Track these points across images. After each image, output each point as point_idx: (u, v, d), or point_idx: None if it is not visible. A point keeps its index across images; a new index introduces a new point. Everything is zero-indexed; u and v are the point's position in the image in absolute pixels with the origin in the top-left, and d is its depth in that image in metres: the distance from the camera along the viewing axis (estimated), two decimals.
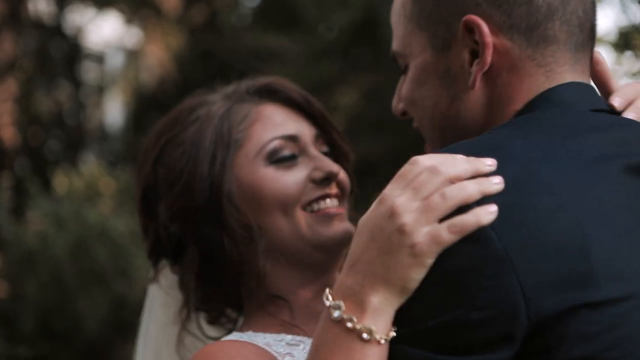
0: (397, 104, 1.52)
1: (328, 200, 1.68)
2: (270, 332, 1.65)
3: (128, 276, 6.21)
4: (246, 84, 1.77)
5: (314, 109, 1.74)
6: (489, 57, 1.35)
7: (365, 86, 6.53)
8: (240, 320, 1.75)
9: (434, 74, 1.42)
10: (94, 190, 7.08)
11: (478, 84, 1.37)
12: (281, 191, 1.65)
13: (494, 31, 1.35)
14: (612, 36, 5.64)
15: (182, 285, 1.71)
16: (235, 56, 6.33)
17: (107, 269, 6.18)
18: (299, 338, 1.65)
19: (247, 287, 1.68)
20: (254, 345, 1.60)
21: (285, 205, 1.65)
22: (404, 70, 1.48)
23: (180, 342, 1.75)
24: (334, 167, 1.69)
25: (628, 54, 6.26)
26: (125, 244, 6.21)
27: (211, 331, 1.76)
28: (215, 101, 1.74)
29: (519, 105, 1.36)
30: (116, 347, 6.40)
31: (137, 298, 5.78)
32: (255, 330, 1.65)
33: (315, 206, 1.68)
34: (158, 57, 10.03)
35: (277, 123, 1.70)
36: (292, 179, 1.66)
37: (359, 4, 5.96)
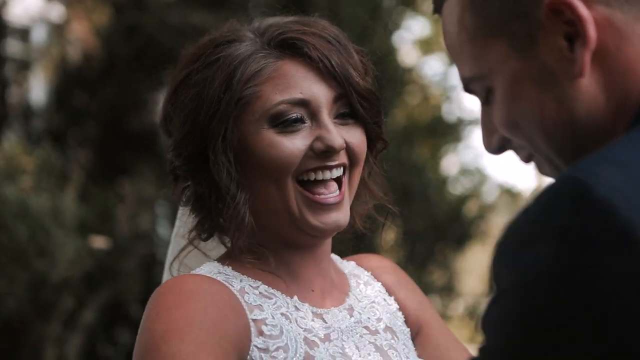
0: (491, 140, 1.27)
1: (327, 172, 1.63)
2: (249, 275, 1.63)
3: (48, 255, 6.10)
4: (273, 29, 1.66)
5: (336, 70, 1.64)
6: (591, 30, 1.13)
7: None
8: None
9: (529, 81, 1.19)
10: (14, 167, 6.92)
11: (587, 68, 1.14)
12: (277, 158, 1.60)
13: (585, 2, 1.13)
14: None
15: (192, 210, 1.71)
16: (162, 33, 6.25)
17: (26, 248, 6.06)
18: (272, 291, 1.63)
19: (234, 239, 1.65)
20: (224, 288, 1.58)
21: (279, 172, 1.60)
22: (485, 99, 1.25)
23: (179, 259, 1.75)
24: (337, 141, 1.61)
25: None
26: (45, 222, 6.09)
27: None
28: (244, 40, 1.65)
29: None
30: (35, 327, 6.29)
31: (58, 277, 5.69)
32: (235, 268, 1.64)
33: (312, 175, 1.62)
34: (82, 32, 9.84)
35: (290, 85, 1.62)
36: (291, 146, 1.61)
37: None
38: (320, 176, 1.62)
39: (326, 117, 1.63)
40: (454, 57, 1.28)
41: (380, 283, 1.81)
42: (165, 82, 7.43)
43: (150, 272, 7.20)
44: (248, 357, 1.54)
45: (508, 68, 1.19)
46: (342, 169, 1.64)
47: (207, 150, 1.63)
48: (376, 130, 1.70)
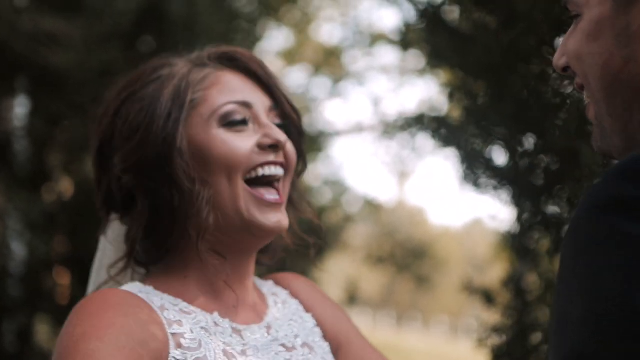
0: (560, 58, 1.36)
1: (272, 168, 1.74)
2: (170, 293, 1.71)
3: None
4: (209, 50, 1.83)
5: (271, 82, 1.81)
6: None
7: None
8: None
9: (610, 30, 1.27)
10: None
11: None
12: (228, 152, 1.71)
13: None
14: (396, 34, 5.79)
15: (129, 237, 1.76)
16: (13, 39, 6.04)
17: None
18: (192, 308, 1.70)
19: (188, 240, 1.73)
20: (145, 303, 1.64)
21: (230, 167, 1.71)
22: (574, 18, 1.33)
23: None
24: (282, 136, 1.75)
25: (411, 52, 6.49)
26: None
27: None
28: (178, 63, 1.80)
29: None
30: None
31: None
32: (156, 287, 1.72)
33: (260, 170, 1.73)
34: None
35: (233, 89, 1.77)
36: (240, 142, 1.73)
37: None
38: (267, 171, 1.74)
39: (267, 119, 1.78)
40: None
41: (297, 301, 1.90)
42: (18, 88, 7.18)
43: (0, 286, 6.94)
44: None
45: (600, 9, 1.27)
46: (282, 169, 1.77)
47: (163, 156, 1.71)
48: (301, 145, 1.86)
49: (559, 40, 3.06)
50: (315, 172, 12.13)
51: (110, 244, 1.88)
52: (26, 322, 7.17)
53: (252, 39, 6.91)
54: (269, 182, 1.75)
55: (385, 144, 12.70)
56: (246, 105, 1.76)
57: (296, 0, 10.97)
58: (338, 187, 12.02)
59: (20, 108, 7.28)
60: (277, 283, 1.94)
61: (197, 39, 5.65)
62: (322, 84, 12.69)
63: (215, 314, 1.72)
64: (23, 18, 5.86)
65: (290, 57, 12.72)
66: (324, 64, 12.63)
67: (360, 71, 12.70)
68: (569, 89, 3.09)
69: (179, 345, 1.61)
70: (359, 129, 12.51)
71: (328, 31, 17.43)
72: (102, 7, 5.97)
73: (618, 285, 1.02)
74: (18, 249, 6.94)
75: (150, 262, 1.78)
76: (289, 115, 1.83)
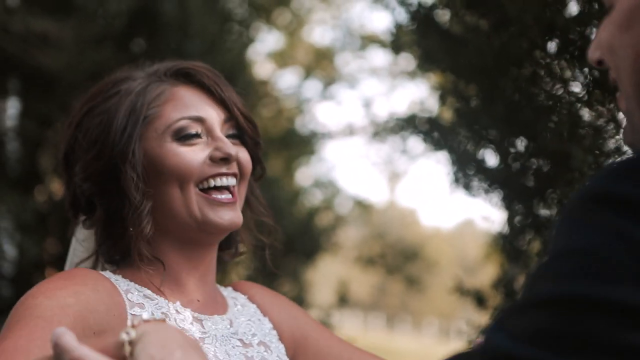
0: (595, 51, 1.30)
1: (224, 179, 1.84)
2: (136, 282, 1.82)
3: None
4: (166, 65, 1.93)
5: (225, 95, 1.90)
6: None
7: None
8: None
9: None
10: None
11: None
12: (181, 164, 1.81)
13: None
14: (387, 36, 5.80)
15: (95, 238, 1.91)
16: (3, 40, 6.03)
17: None
18: (156, 296, 1.81)
19: (137, 246, 1.82)
20: (111, 283, 1.75)
21: (182, 178, 1.81)
22: (608, 10, 1.27)
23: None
24: (232, 149, 1.85)
25: (403, 54, 6.50)
26: None
27: None
28: (137, 78, 1.90)
29: None
30: None
31: None
32: (125, 276, 1.83)
33: (212, 182, 1.83)
34: None
35: (187, 105, 1.86)
36: (192, 155, 1.82)
37: None
38: (218, 182, 1.85)
39: (220, 133, 1.87)
40: None
41: (255, 305, 2.00)
42: (10, 89, 7.15)
43: None
44: None
45: None
46: (234, 178, 1.87)
47: (117, 168, 1.83)
48: (257, 152, 1.98)
49: (551, 44, 3.07)
50: (307, 174, 12.14)
51: (81, 244, 2.00)
52: None
53: (245, 41, 6.90)
54: (222, 188, 1.86)
55: (376, 146, 12.72)
56: (199, 120, 1.86)
57: (288, 3, 10.97)
58: (329, 188, 12.03)
59: (11, 109, 7.26)
60: (236, 289, 2.04)
61: (189, 40, 5.65)
62: (313, 86, 12.69)
63: (178, 303, 1.82)
64: (14, 19, 5.85)
65: (282, 59, 12.72)
66: (315, 66, 12.64)
67: (351, 73, 12.71)
68: (560, 92, 3.10)
69: None
70: (350, 130, 12.52)
71: (319, 33, 17.44)
72: (93, 8, 5.96)
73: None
74: (9, 250, 6.93)
75: (113, 262, 1.90)
76: (242, 126, 1.92)
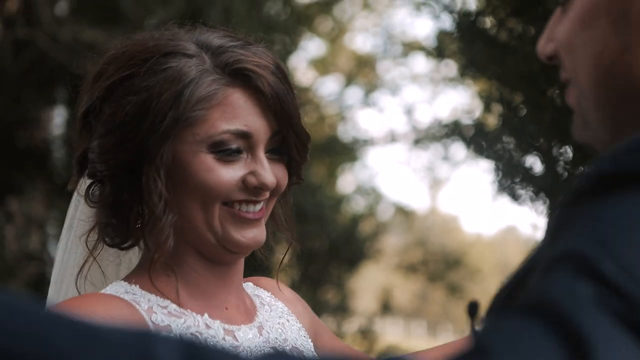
0: (546, 45, 1.22)
1: (251, 206, 1.65)
2: (157, 294, 1.63)
3: None
4: (227, 56, 1.65)
5: (279, 108, 1.67)
6: None
7: None
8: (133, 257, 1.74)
9: (605, 16, 1.12)
10: None
11: None
12: (210, 182, 1.62)
13: None
14: (430, 42, 5.80)
15: (97, 209, 1.68)
16: (53, 49, 6.12)
17: None
18: (181, 310, 1.63)
19: (155, 261, 1.64)
20: (130, 307, 1.57)
21: (208, 197, 1.62)
22: (563, 5, 1.20)
23: (81, 272, 1.70)
24: (270, 179, 1.65)
25: (445, 61, 6.49)
26: None
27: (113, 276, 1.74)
28: (189, 53, 1.64)
29: None
30: None
31: None
32: (143, 286, 1.63)
33: (237, 206, 1.64)
34: None
35: (237, 115, 1.64)
36: (225, 175, 1.63)
37: None
38: (244, 208, 1.65)
39: (262, 153, 1.66)
40: None
41: (281, 303, 1.86)
42: (58, 99, 7.23)
43: (39, 293, 7.02)
44: None
45: None
46: (262, 203, 1.67)
47: (140, 163, 1.61)
48: (299, 169, 1.75)
49: None
50: (349, 181, 12.15)
51: (82, 200, 1.75)
52: None
53: (288, 48, 6.95)
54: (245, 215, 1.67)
55: (417, 153, 12.70)
56: (245, 136, 1.64)
57: (330, 10, 11.01)
58: (372, 195, 12.02)
59: (58, 118, 7.37)
60: (257, 285, 1.89)
61: None
62: (355, 92, 12.71)
63: (206, 315, 1.66)
64: (63, 29, 5.93)
65: (324, 66, 12.76)
66: (357, 73, 12.66)
67: (393, 80, 12.71)
68: None
69: None
70: (392, 137, 12.51)
71: (361, 40, 17.45)
72: (141, 17, 6.04)
73: None
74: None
75: (115, 245, 1.69)
76: (289, 142, 1.71)
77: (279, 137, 1.69)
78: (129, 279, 1.67)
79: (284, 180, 1.71)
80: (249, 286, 1.86)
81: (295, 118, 1.71)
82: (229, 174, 1.63)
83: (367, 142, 11.86)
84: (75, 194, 1.79)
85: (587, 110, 1.17)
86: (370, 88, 12.71)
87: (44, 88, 6.86)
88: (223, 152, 1.62)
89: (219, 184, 1.62)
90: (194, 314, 1.64)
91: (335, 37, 12.54)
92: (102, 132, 1.64)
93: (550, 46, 1.21)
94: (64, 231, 1.84)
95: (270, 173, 1.66)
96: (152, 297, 1.63)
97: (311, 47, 12.61)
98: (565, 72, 1.19)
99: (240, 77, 1.65)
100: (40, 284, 7.03)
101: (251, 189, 1.65)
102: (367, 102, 12.72)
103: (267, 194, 1.68)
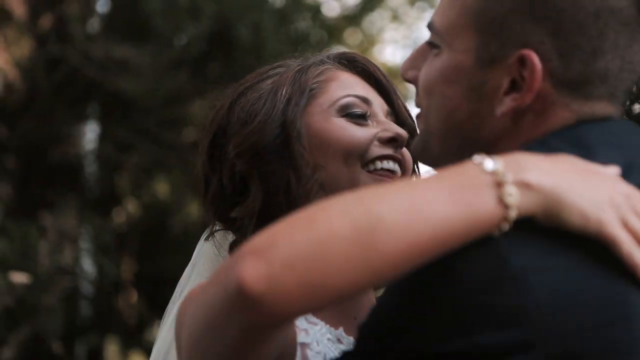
0: (409, 71, 1.39)
1: (391, 162, 1.70)
2: None
3: None
4: (327, 52, 1.81)
5: (389, 87, 1.78)
6: (529, 99, 1.25)
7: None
8: None
9: (466, 82, 1.29)
10: None
11: (506, 116, 1.27)
12: (348, 139, 1.67)
13: (544, 75, 1.24)
14: None
15: (239, 230, 1.70)
16: (85, 66, 6.18)
17: None
18: (316, 319, 1.64)
19: None
20: None
21: (349, 154, 1.67)
22: (433, 47, 1.34)
23: None
24: (402, 130, 1.71)
25: None
26: None
27: None
28: (294, 62, 1.78)
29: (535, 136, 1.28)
30: None
31: None
32: None
33: (378, 164, 1.69)
34: (2, 64, 9.68)
35: (352, 85, 1.73)
36: (359, 131, 1.68)
37: (210, 14, 5.94)
38: (385, 165, 1.69)
39: (385, 118, 1.74)
40: (441, 2, 1.35)
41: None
42: (90, 115, 7.29)
43: (72, 307, 7.07)
44: None
45: (462, 57, 1.29)
46: (399, 168, 1.71)
47: (280, 140, 1.67)
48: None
49: None
50: None
51: (217, 249, 1.78)
52: (97, 342, 7.28)
53: None
54: (386, 176, 1.71)
55: None
56: (365, 101, 1.72)
57: (359, 23, 11.03)
58: None
59: (90, 133, 7.44)
60: None
61: (263, 63, 5.72)
62: None
63: (341, 329, 1.66)
64: (95, 46, 5.99)
65: None
66: None
67: None
68: None
69: (305, 357, 1.56)
70: None
71: (391, 52, 17.43)
72: (171, 34, 6.08)
73: None
74: (89, 270, 7.07)
75: None
76: (405, 121, 1.78)
77: (394, 118, 1.77)
78: None
79: (411, 159, 1.74)
80: None
81: (402, 100, 1.78)
82: (362, 131, 1.69)
83: None
84: (199, 244, 1.81)
85: (429, 142, 1.35)
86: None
87: (76, 104, 6.93)
88: (351, 114, 1.70)
89: (355, 137, 1.67)
90: (328, 326, 1.65)
91: (364, 50, 12.55)
92: (234, 132, 1.71)
93: (412, 74, 1.38)
94: (183, 278, 1.83)
95: (400, 128, 1.72)
96: None
97: None
98: (419, 101, 1.36)
99: (345, 62, 1.78)
100: (73, 298, 7.09)
101: (386, 144, 1.69)
102: None
103: (401, 156, 1.71)
